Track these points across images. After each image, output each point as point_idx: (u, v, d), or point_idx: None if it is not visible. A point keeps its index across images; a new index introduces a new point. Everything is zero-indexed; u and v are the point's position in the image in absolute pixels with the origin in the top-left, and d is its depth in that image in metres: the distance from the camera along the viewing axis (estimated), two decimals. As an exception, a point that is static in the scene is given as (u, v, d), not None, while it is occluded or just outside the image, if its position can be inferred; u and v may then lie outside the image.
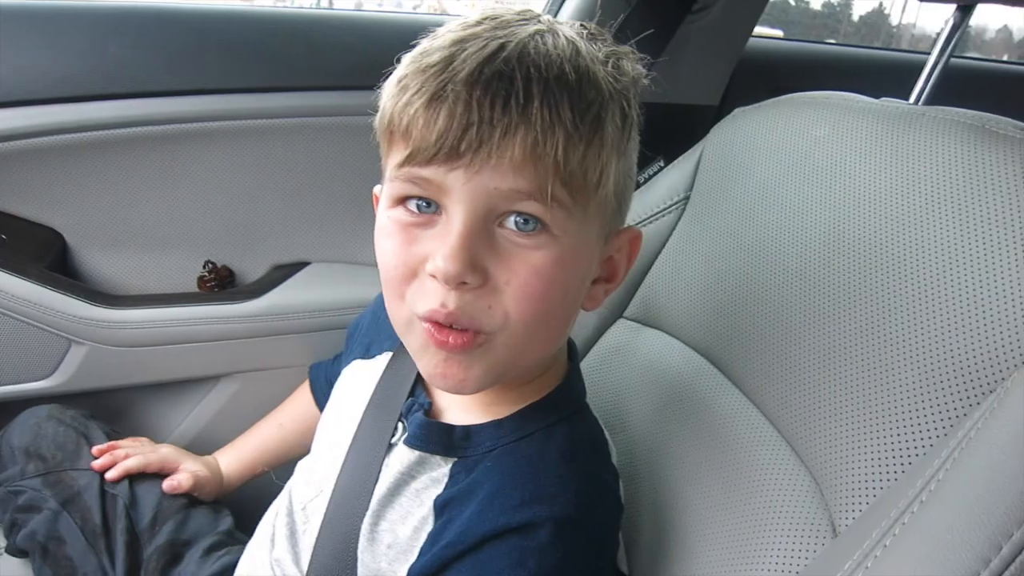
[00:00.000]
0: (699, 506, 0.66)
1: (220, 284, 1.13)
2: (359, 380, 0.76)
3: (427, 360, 0.58)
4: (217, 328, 1.08)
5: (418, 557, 0.60)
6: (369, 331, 0.82)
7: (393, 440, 0.67)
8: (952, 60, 0.79)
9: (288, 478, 0.79)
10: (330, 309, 1.13)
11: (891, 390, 0.56)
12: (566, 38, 0.55)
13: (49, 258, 1.06)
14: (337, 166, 1.14)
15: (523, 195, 0.52)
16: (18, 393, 1.04)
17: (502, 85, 0.50)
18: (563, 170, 0.52)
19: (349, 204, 1.17)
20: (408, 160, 0.53)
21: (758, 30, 1.33)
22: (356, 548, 0.63)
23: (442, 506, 0.61)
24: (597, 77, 0.54)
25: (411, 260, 0.55)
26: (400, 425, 0.67)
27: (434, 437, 0.64)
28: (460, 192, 0.52)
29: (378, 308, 0.82)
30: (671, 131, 1.00)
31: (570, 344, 0.70)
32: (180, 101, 1.05)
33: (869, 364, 0.59)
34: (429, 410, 0.67)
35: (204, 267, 1.13)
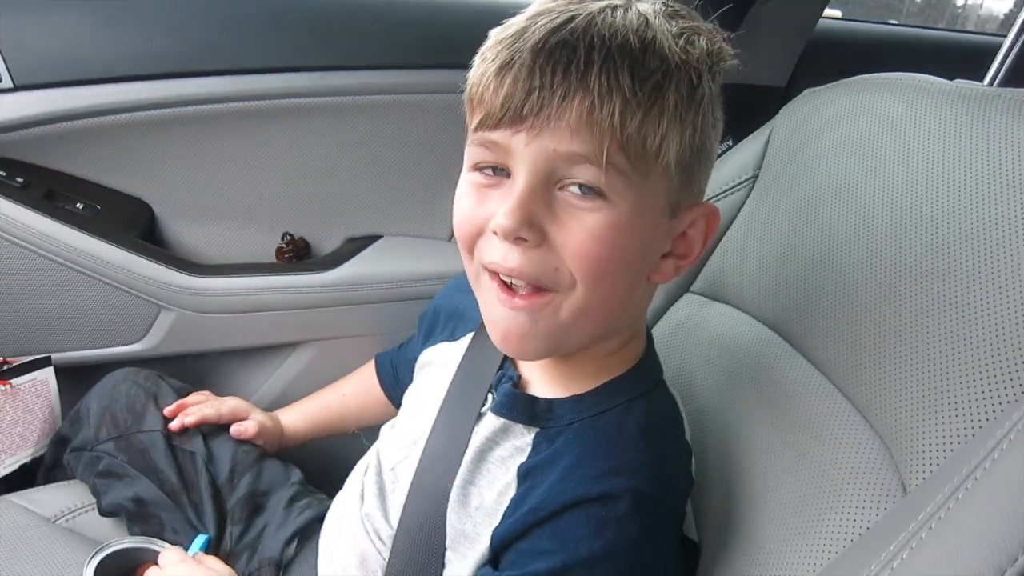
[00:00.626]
0: (768, 472, 0.68)
1: (297, 255, 1.18)
2: (447, 357, 0.79)
3: (496, 313, 0.61)
4: (294, 297, 1.13)
5: (501, 520, 0.63)
6: (453, 316, 0.85)
7: (483, 409, 0.70)
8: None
9: (373, 440, 0.84)
10: (401, 281, 1.17)
11: (963, 359, 0.58)
12: (638, 12, 0.57)
13: (139, 228, 1.12)
14: (411, 144, 1.18)
15: (580, 158, 0.54)
16: (111, 356, 1.11)
17: (565, 52, 0.53)
18: (620, 135, 0.53)
19: (421, 181, 1.21)
20: (480, 125, 0.57)
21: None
22: (446, 509, 0.67)
23: (525, 474, 0.64)
24: (663, 47, 0.55)
25: (478, 218, 0.59)
26: (490, 396, 0.71)
27: (519, 407, 0.67)
28: (523, 154, 0.55)
29: (456, 292, 0.85)
30: (739, 111, 1.00)
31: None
32: (263, 79, 1.10)
33: (942, 336, 0.60)
34: (517, 383, 0.70)
35: (282, 238, 1.18)
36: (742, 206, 0.92)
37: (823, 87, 0.90)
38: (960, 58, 1.35)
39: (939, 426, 0.57)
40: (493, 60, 0.56)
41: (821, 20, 1.35)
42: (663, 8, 0.59)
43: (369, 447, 0.84)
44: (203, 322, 1.11)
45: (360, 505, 0.78)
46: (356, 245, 1.20)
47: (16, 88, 1.02)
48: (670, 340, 0.91)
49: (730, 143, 1.03)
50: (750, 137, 0.96)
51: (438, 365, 0.81)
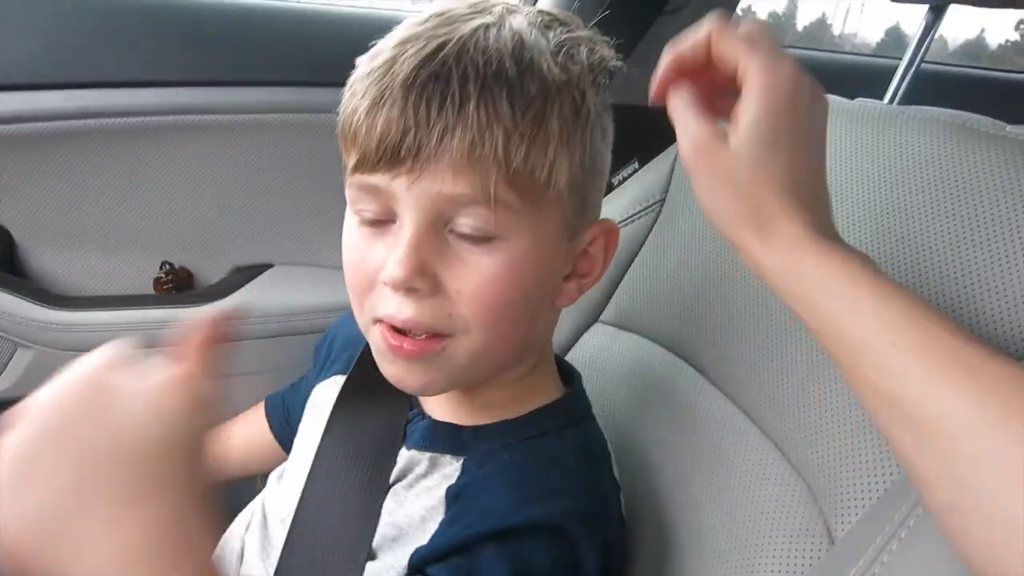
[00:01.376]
0: (694, 515, 0.65)
1: (178, 286, 1.10)
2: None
3: (387, 366, 0.58)
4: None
5: (428, 542, 0.58)
6: (349, 345, 0.79)
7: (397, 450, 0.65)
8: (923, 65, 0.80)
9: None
10: (293, 314, 1.11)
11: None
12: (512, 30, 0.53)
13: (-5, 256, 1.02)
14: (302, 165, 1.13)
15: (467, 199, 0.51)
16: (-42, 399, 0.99)
17: (438, 87, 0.50)
18: (506, 170, 0.50)
19: (314, 204, 1.15)
20: (357, 167, 0.53)
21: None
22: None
23: (455, 495, 0.59)
24: (542, 69, 0.52)
25: (368, 268, 0.55)
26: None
27: (444, 437, 0.63)
28: (407, 198, 0.51)
29: (353, 320, 0.81)
30: (646, 132, 0.99)
31: (560, 361, 0.70)
32: (139, 93, 1.03)
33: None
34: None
35: (161, 268, 1.10)
36: (649, 231, 0.89)
37: (729, 110, 0.89)
38: (857, 79, 1.40)
39: (861, 465, 0.54)
40: (363, 96, 0.52)
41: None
42: (539, 19, 0.56)
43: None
44: (67, 360, 0.99)
45: (239, 567, 0.69)
46: (244, 275, 1.14)
47: None
48: (581, 371, 0.86)
49: (636, 166, 1.01)
50: (656, 160, 0.94)
51: (325, 403, 0.74)
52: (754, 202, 0.46)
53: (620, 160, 1.12)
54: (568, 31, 0.56)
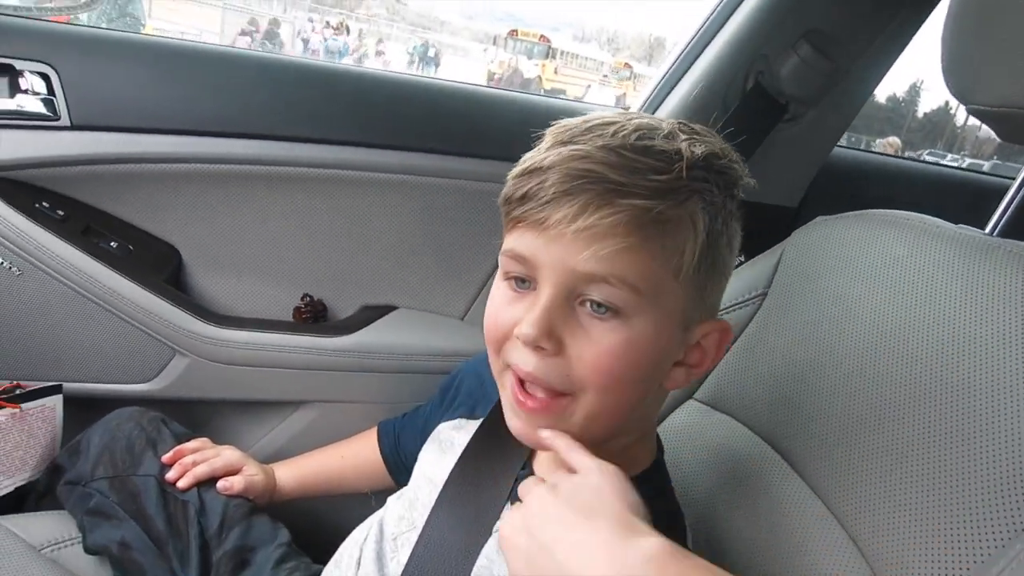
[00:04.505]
0: None
1: (314, 316, 1.21)
2: (461, 435, 0.81)
3: (513, 419, 0.66)
4: (306, 357, 1.16)
5: None
6: (474, 391, 0.88)
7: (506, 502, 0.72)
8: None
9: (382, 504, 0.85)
10: (411, 354, 1.20)
11: (958, 493, 0.60)
12: (664, 136, 0.61)
13: (166, 272, 1.16)
14: (436, 223, 1.23)
15: (598, 277, 0.58)
16: (120, 392, 1.13)
17: (591, 184, 0.58)
18: (633, 255, 0.58)
19: (440, 260, 1.25)
20: (509, 226, 0.63)
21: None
22: None
23: None
24: (682, 166, 0.59)
25: (505, 323, 0.63)
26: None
27: None
28: (547, 270, 0.60)
29: (481, 366, 0.87)
30: (750, 227, 1.06)
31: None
32: (305, 147, 1.15)
33: (936, 469, 0.63)
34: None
35: (302, 299, 1.22)
36: (750, 321, 0.95)
37: (835, 216, 0.94)
38: (961, 198, 1.41)
39: (928, 561, 0.59)
40: (528, 172, 0.61)
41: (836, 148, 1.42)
42: (683, 127, 0.64)
43: (376, 511, 0.85)
44: (214, 371, 1.13)
45: (356, 570, 0.78)
46: (372, 313, 1.24)
47: (73, 127, 1.07)
48: (671, 444, 0.92)
49: (742, 259, 1.07)
50: (762, 256, 0.99)
51: (450, 442, 0.83)
52: None
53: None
54: (708, 141, 0.63)
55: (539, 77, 18.39)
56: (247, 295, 1.22)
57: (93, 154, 1.09)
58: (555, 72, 19.23)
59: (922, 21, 1.23)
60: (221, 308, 1.21)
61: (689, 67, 1.24)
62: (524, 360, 0.62)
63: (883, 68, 1.29)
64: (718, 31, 1.23)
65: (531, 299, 0.62)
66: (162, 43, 1.19)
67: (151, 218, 1.16)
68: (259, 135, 1.14)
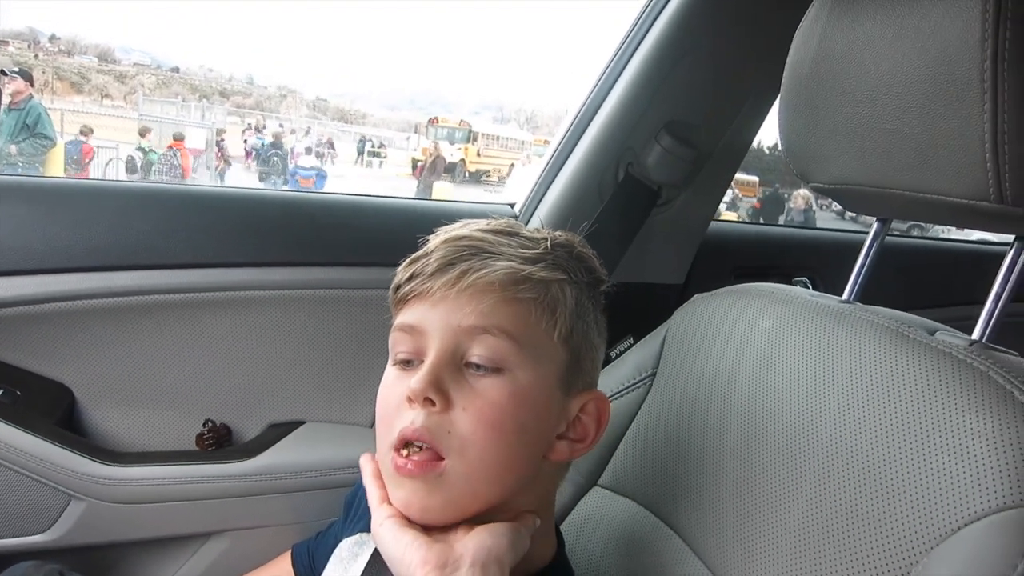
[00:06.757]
0: None
1: (218, 442, 1.18)
2: (365, 550, 0.80)
3: (395, 491, 0.66)
4: (212, 487, 1.13)
5: None
6: None
7: None
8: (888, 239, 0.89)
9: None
10: (322, 469, 1.18)
11: (838, 557, 0.64)
12: (530, 231, 0.72)
13: (57, 414, 1.12)
14: (338, 334, 1.24)
15: (479, 329, 0.65)
16: (13, 547, 1.07)
17: (470, 254, 0.67)
18: (508, 306, 0.66)
19: (346, 370, 1.25)
20: (397, 303, 0.70)
21: (736, 180, 1.47)
22: None
23: None
24: (547, 248, 0.70)
25: (395, 396, 0.67)
26: None
27: None
28: (434, 333, 0.65)
29: None
30: (640, 309, 1.11)
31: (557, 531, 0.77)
32: (192, 273, 1.16)
33: (817, 534, 0.66)
34: None
35: (204, 425, 1.19)
36: (643, 402, 0.98)
37: (710, 293, 0.99)
38: (834, 255, 1.49)
39: None
40: (413, 260, 0.70)
41: (715, 223, 1.50)
42: (547, 229, 0.74)
43: None
44: (114, 512, 1.09)
45: None
46: (279, 431, 1.22)
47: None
48: (579, 534, 0.93)
49: (631, 340, 1.11)
50: (650, 336, 1.03)
51: (352, 556, 0.81)
52: None
53: (617, 335, 1.23)
54: (568, 239, 0.73)
55: (463, 160, 18.74)
56: (146, 427, 1.19)
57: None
58: (478, 154, 19.64)
59: (772, 103, 1.32)
60: (120, 444, 1.17)
61: (563, 164, 1.31)
62: (412, 419, 0.64)
63: (744, 145, 1.38)
64: (587, 127, 1.30)
65: (419, 368, 0.66)
66: (37, 182, 1.19)
67: (39, 359, 1.13)
68: (146, 265, 1.14)
